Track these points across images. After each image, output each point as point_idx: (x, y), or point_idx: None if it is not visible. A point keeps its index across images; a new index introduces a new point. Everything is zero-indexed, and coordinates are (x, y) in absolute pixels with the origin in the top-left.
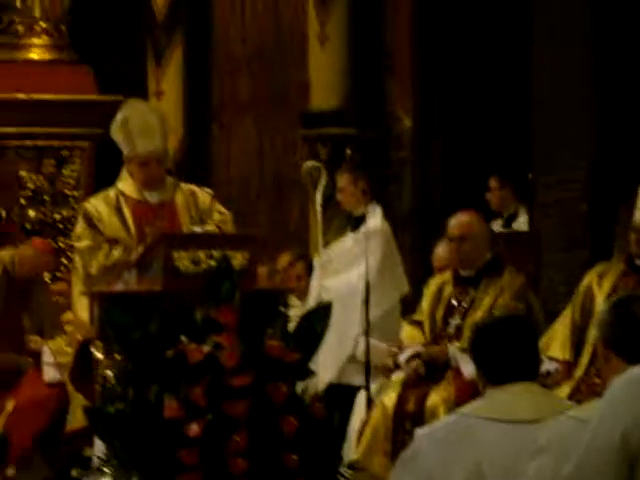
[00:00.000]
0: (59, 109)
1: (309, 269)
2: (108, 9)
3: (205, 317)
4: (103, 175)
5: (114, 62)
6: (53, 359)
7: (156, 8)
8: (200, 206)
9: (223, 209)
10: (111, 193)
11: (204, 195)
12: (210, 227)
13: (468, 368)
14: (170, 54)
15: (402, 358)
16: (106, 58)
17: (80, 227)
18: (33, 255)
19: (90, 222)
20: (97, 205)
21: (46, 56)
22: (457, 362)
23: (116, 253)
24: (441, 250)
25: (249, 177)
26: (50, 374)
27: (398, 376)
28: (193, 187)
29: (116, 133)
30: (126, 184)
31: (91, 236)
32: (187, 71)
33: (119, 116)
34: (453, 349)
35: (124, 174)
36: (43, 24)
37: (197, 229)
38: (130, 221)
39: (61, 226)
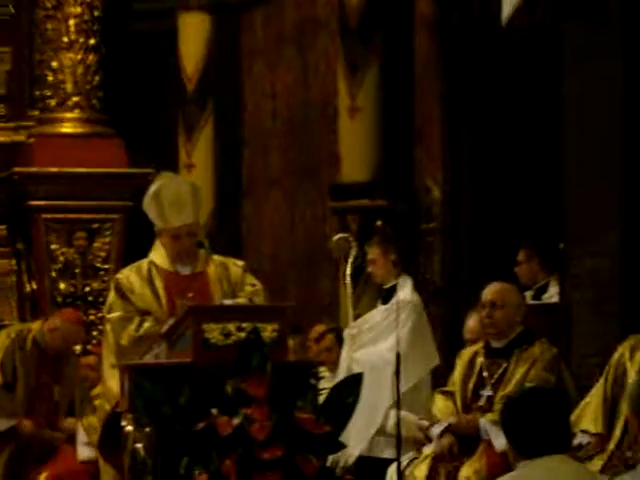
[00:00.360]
0: (90, 182)
1: (339, 340)
2: (139, 83)
3: (235, 389)
4: (133, 248)
5: (145, 135)
6: (87, 439)
7: (187, 82)
8: (232, 278)
9: (255, 281)
10: (143, 265)
11: (236, 267)
12: (242, 300)
13: (499, 441)
14: (201, 127)
15: (434, 433)
16: (137, 131)
17: (112, 298)
18: (62, 326)
19: (122, 294)
20: (129, 276)
21: (78, 130)
22: (488, 435)
23: (147, 325)
24: (472, 322)
25: (280, 250)
26: (84, 453)
27: (429, 449)
28: (225, 259)
29: (148, 206)
30: (158, 256)
31: (122, 307)
32: (218, 144)
33: (151, 189)
34: (484, 422)
35: (157, 246)
36: (75, 98)
37: (227, 302)
38: (162, 293)
39: (91, 299)
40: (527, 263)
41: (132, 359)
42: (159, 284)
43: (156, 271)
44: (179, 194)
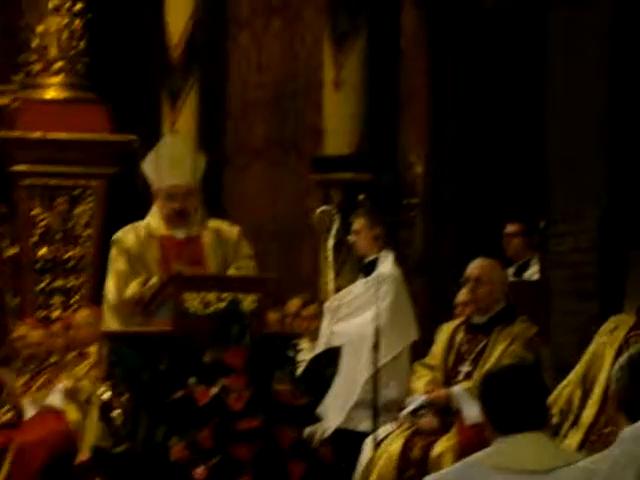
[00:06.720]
0: (73, 148)
1: (322, 310)
2: (125, 49)
3: (214, 359)
4: (115, 215)
5: (130, 102)
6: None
7: (172, 49)
8: (226, 244)
9: (250, 249)
10: (140, 227)
11: (231, 231)
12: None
13: (469, 411)
14: (185, 95)
15: (405, 412)
16: (122, 98)
17: (114, 255)
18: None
19: (123, 251)
20: (127, 236)
21: (62, 95)
22: (459, 405)
23: (154, 280)
24: (463, 297)
25: (261, 220)
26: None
27: (406, 423)
28: (219, 224)
29: (147, 165)
30: (154, 219)
31: (126, 260)
32: (202, 113)
33: (153, 150)
34: (457, 390)
35: (153, 210)
36: (60, 63)
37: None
38: (157, 256)
39: (72, 264)
40: (520, 236)
41: (130, 315)
42: (155, 247)
43: (152, 234)
44: (176, 155)
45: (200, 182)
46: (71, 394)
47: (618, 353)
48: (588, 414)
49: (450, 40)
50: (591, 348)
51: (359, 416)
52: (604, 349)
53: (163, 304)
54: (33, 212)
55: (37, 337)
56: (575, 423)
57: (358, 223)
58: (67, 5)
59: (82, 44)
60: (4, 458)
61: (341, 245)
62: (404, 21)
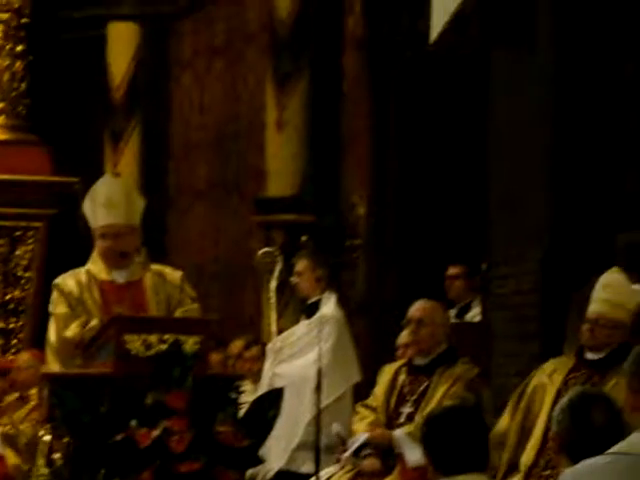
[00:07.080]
0: (14, 189)
1: (265, 352)
2: (67, 91)
3: (155, 401)
4: (56, 257)
5: (72, 143)
6: None
7: (114, 91)
8: (168, 288)
9: (193, 292)
10: (81, 272)
11: (173, 276)
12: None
13: (412, 455)
14: (128, 137)
15: (348, 453)
16: (64, 139)
17: (55, 300)
18: None
19: (64, 295)
20: (68, 282)
21: (2, 136)
22: (401, 448)
23: (94, 322)
24: (404, 339)
25: (204, 262)
26: None
27: (348, 465)
28: (162, 267)
29: (85, 206)
30: (94, 264)
31: (67, 304)
32: (144, 154)
33: (90, 190)
34: (399, 433)
35: (94, 255)
36: (0, 105)
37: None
38: (99, 301)
39: (12, 306)
40: (462, 279)
41: (70, 357)
42: (96, 292)
43: (93, 280)
44: (112, 194)
45: (141, 223)
46: (9, 439)
47: (557, 395)
48: (528, 456)
49: (392, 82)
50: (529, 389)
51: (301, 458)
52: (543, 391)
53: (104, 346)
54: None
55: None
56: (515, 465)
57: (301, 264)
58: (8, 47)
59: (23, 86)
60: None
61: (284, 286)
62: (346, 63)
